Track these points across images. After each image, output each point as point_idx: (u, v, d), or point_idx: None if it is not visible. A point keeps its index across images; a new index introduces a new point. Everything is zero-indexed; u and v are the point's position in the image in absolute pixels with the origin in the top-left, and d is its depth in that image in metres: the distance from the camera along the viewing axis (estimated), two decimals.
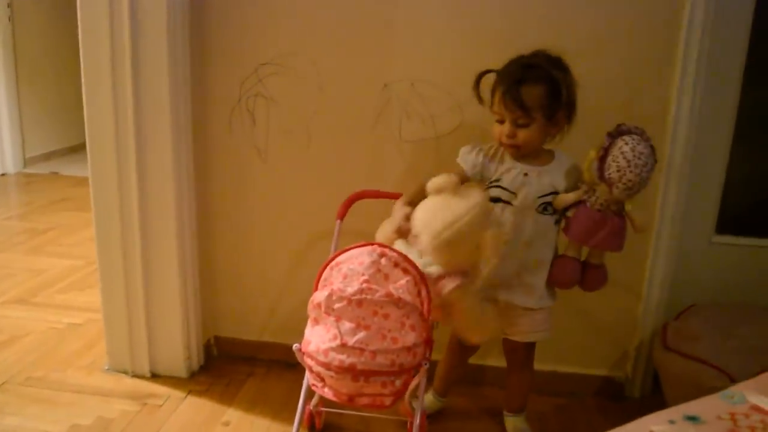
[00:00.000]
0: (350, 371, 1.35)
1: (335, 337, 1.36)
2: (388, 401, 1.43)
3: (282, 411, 2.00)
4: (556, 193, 1.66)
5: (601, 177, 1.56)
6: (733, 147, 2.08)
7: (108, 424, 1.90)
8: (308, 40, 2.01)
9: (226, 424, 1.93)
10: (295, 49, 2.01)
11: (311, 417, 1.88)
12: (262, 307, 2.29)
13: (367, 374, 1.36)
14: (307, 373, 1.50)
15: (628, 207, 1.60)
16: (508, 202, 1.65)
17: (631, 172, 1.51)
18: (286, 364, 2.27)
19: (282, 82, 2.04)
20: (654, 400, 2.08)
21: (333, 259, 1.51)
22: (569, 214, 1.68)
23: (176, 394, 2.08)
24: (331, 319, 1.39)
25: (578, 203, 1.64)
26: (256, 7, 2.01)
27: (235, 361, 2.30)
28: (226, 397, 2.07)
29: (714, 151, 2.07)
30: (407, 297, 1.41)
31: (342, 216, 1.76)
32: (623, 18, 1.89)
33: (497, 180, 1.67)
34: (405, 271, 1.46)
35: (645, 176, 1.53)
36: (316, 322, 1.44)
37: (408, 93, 1.99)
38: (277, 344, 2.29)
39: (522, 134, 1.61)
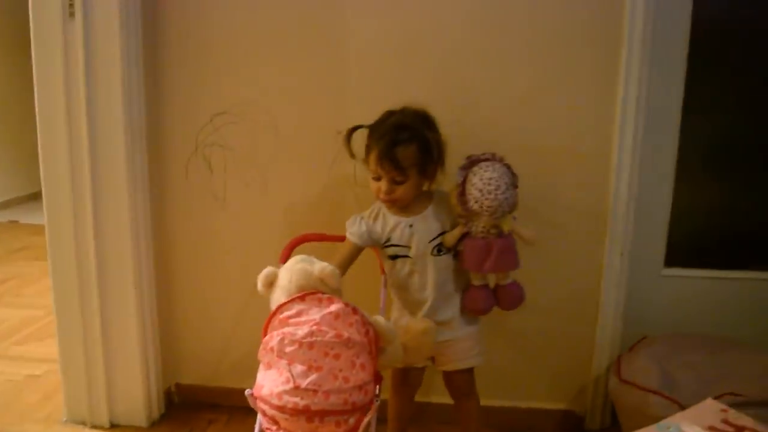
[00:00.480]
0: (304, 413, 1.36)
1: (288, 380, 1.37)
2: None
3: None
4: (444, 232, 1.77)
5: (467, 210, 1.68)
6: (676, 181, 2.15)
7: None
8: (263, 89, 2.06)
9: None
10: (250, 98, 2.05)
11: None
12: (223, 352, 2.28)
13: (321, 414, 1.37)
14: (260, 417, 1.50)
15: (506, 226, 1.69)
16: (406, 256, 1.76)
17: (486, 199, 1.63)
18: (247, 410, 2.24)
19: (238, 131, 2.08)
20: (615, 431, 2.12)
21: (279, 309, 1.52)
22: (460, 248, 1.77)
23: None
24: (284, 362, 1.40)
25: (463, 236, 1.73)
26: (211, 57, 2.06)
27: (196, 407, 2.28)
28: None
29: (658, 186, 2.14)
30: (356, 337, 1.44)
31: (284, 261, 1.73)
32: (562, 63, 1.97)
33: (388, 239, 1.78)
34: (354, 311, 1.50)
35: (503, 198, 1.64)
36: (269, 366, 1.45)
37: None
38: (238, 390, 2.23)
39: (399, 190, 1.70)
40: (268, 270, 1.61)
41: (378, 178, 1.71)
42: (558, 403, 2.21)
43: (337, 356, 1.41)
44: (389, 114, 1.73)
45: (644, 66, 1.94)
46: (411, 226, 1.75)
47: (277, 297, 1.57)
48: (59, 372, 2.20)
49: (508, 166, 1.70)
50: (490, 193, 1.63)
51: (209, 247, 2.19)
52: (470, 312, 1.81)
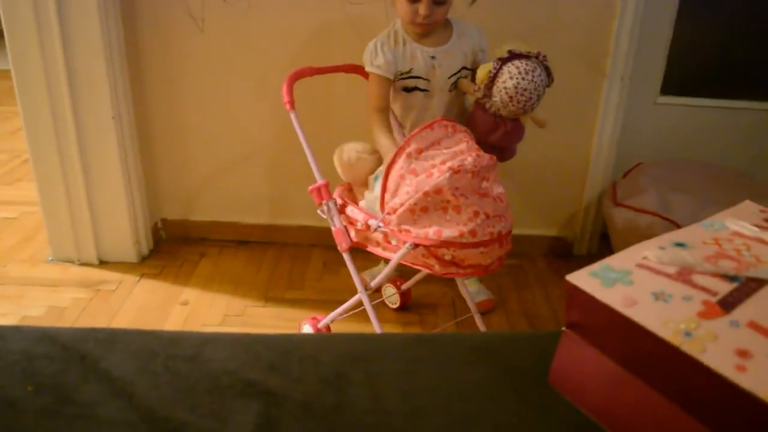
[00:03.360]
0: (498, 239, 1.32)
1: (476, 214, 1.30)
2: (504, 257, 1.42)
3: (239, 287, 1.99)
4: (464, 68, 1.65)
5: (489, 97, 1.54)
6: (679, 11, 2.08)
7: (61, 313, 1.85)
8: None
9: (185, 303, 1.91)
10: None
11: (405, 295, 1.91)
12: (208, 187, 2.22)
13: (508, 236, 1.36)
14: (428, 263, 1.39)
15: (523, 118, 1.60)
16: (424, 89, 1.64)
17: (514, 105, 1.51)
18: (238, 242, 2.24)
19: None
20: (601, 257, 2.16)
21: (403, 148, 1.38)
22: (470, 109, 1.67)
23: (129, 278, 2.03)
24: (462, 199, 1.31)
25: (478, 102, 1.61)
26: None
27: (185, 243, 2.25)
28: (181, 278, 2.04)
29: (661, 17, 2.06)
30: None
31: (292, 103, 1.60)
32: None
33: (409, 70, 1.63)
34: (465, 132, 1.44)
35: (530, 106, 1.52)
36: (425, 210, 1.33)
37: None
38: (227, 223, 2.24)
39: (438, 12, 1.55)
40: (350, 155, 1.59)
41: (416, 0, 1.53)
42: (548, 231, 2.24)
43: (487, 178, 1.35)
44: None
45: None
46: (433, 57, 1.62)
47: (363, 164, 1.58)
48: (39, 213, 2.12)
49: (548, 69, 1.53)
50: (519, 102, 1.50)
51: (188, 73, 2.05)
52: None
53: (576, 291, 0.75)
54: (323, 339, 0.93)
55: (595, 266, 0.78)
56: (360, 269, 2.02)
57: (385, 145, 1.56)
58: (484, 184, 1.33)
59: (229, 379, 0.81)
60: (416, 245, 1.33)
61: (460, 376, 0.84)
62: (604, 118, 2.06)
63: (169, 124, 2.13)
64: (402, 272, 1.87)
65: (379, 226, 1.40)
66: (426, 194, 1.30)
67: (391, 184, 1.37)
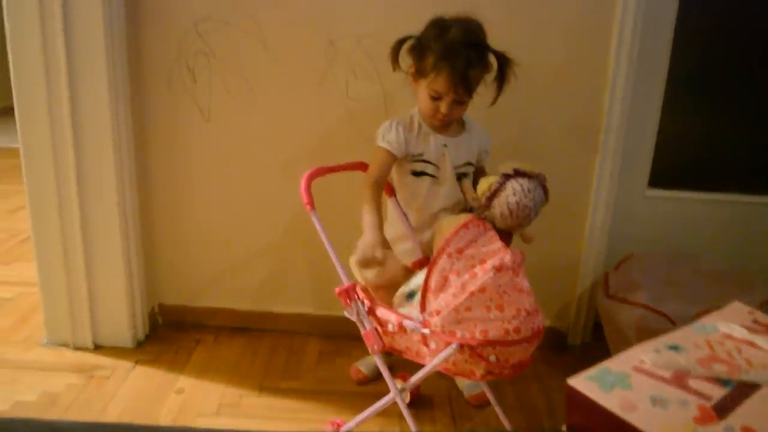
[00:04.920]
0: (537, 336, 1.33)
1: (519, 311, 1.31)
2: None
3: (234, 376, 1.99)
4: (469, 164, 1.73)
5: (487, 208, 1.59)
6: (664, 108, 2.19)
7: (54, 399, 1.83)
8: None
9: (180, 391, 1.90)
10: (234, 2, 1.94)
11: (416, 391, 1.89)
12: (207, 273, 2.24)
13: (543, 330, 1.36)
14: (469, 369, 1.36)
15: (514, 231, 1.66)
16: (432, 175, 1.69)
17: (512, 220, 1.57)
18: (232, 329, 2.25)
19: (223, 38, 1.98)
20: (595, 346, 2.19)
21: (444, 248, 1.39)
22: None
23: (123, 364, 2.02)
24: (502, 297, 1.32)
25: (471, 210, 1.68)
26: None
27: (181, 328, 2.25)
28: (177, 365, 2.03)
29: (647, 112, 2.17)
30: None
31: (312, 203, 1.59)
32: None
33: (420, 154, 1.68)
34: (492, 230, 1.47)
35: (526, 221, 1.58)
36: (469, 310, 1.32)
37: (354, 49, 1.97)
38: (223, 309, 2.26)
39: (458, 111, 1.63)
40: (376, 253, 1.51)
41: (438, 98, 1.59)
42: None
43: (518, 274, 1.37)
44: (445, 24, 1.57)
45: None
46: (445, 146, 1.68)
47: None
48: (36, 294, 2.13)
49: (546, 189, 1.61)
50: (518, 218, 1.55)
51: (193, 161, 2.11)
52: None
53: (576, 394, 0.78)
54: None
55: (594, 370, 0.81)
56: (355, 358, 2.05)
57: (371, 222, 1.55)
58: (518, 279, 1.35)
59: None
60: (462, 346, 1.31)
61: None
62: (595, 211, 2.13)
63: (171, 210, 2.17)
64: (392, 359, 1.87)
65: (417, 328, 1.38)
66: (472, 294, 1.30)
67: (433, 284, 1.36)
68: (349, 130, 2.03)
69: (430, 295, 1.36)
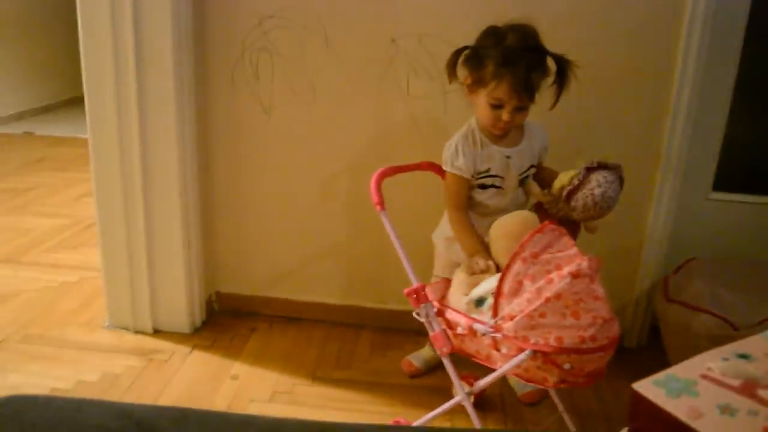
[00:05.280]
0: (614, 342, 1.31)
1: (595, 318, 1.29)
2: None
3: (288, 363, 2.02)
4: (532, 167, 1.72)
5: (567, 201, 1.59)
6: (732, 107, 2.12)
7: (115, 380, 1.90)
8: None
9: (235, 377, 1.94)
10: (298, 2, 1.97)
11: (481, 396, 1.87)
12: (264, 262, 2.28)
13: (619, 338, 1.33)
14: (542, 375, 1.35)
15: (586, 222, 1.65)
16: (498, 187, 1.69)
17: (595, 212, 1.56)
18: (287, 318, 2.28)
19: (287, 36, 2.01)
20: (651, 350, 2.15)
21: (518, 253, 1.37)
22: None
23: (181, 349, 2.08)
24: (578, 304, 1.29)
25: (539, 207, 1.69)
26: None
27: (237, 316, 2.30)
28: (232, 352, 2.08)
29: (714, 112, 2.10)
30: None
31: (382, 203, 1.59)
32: None
33: (487, 170, 1.68)
34: (568, 236, 1.43)
35: (607, 212, 1.58)
36: (543, 316, 1.31)
37: (415, 48, 1.97)
38: (278, 299, 2.30)
39: (519, 118, 1.61)
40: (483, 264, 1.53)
41: (500, 106, 1.57)
42: None
43: (594, 281, 1.33)
44: (501, 31, 1.57)
45: None
46: (508, 157, 1.67)
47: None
48: (98, 279, 2.21)
49: (622, 180, 1.61)
50: (602, 209, 1.56)
51: (253, 155, 2.15)
52: None
53: (641, 399, 0.77)
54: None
55: (660, 375, 0.80)
56: (407, 351, 2.06)
57: (470, 244, 1.59)
58: (594, 286, 1.31)
59: None
60: (535, 352, 1.29)
61: None
62: (657, 212, 2.08)
63: (231, 202, 2.22)
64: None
65: (488, 332, 1.37)
66: (547, 300, 1.28)
67: (506, 289, 1.34)
68: (408, 127, 2.04)
69: (503, 300, 1.35)
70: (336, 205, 2.18)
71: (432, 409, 1.59)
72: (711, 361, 0.81)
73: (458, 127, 1.87)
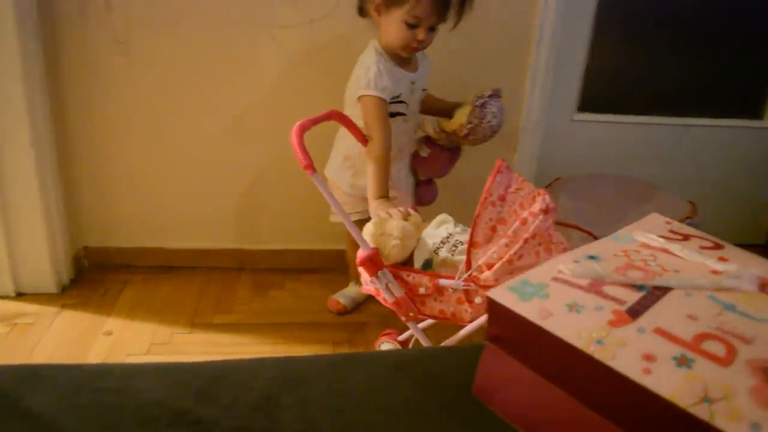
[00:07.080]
0: None
1: (564, 249, 1.21)
2: None
3: (165, 314, 1.95)
4: (424, 91, 1.76)
5: (467, 138, 1.70)
6: (593, 34, 2.19)
7: None
8: None
9: (109, 333, 1.85)
10: None
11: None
12: (133, 212, 2.16)
13: None
14: None
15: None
16: (403, 114, 1.67)
17: (490, 137, 1.72)
18: (163, 268, 2.20)
19: None
20: None
21: (486, 198, 1.28)
22: (423, 153, 1.79)
23: (48, 310, 1.95)
24: (551, 238, 1.23)
25: (428, 141, 1.77)
26: None
27: (108, 270, 2.18)
28: (105, 308, 1.97)
29: (577, 38, 2.17)
30: None
31: (312, 165, 1.32)
32: None
33: (398, 95, 1.64)
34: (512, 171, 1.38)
35: (496, 134, 1.73)
36: (521, 257, 1.22)
37: None
38: (151, 249, 2.20)
39: (431, 38, 1.60)
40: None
41: (416, 25, 1.53)
42: None
43: None
44: None
45: None
46: (413, 83, 1.65)
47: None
48: None
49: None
50: (494, 132, 1.70)
51: (111, 98, 2.00)
52: (431, 174, 1.86)
53: (496, 306, 0.78)
54: (252, 364, 0.93)
55: (514, 281, 0.81)
56: (290, 291, 2.05)
57: (383, 189, 1.55)
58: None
59: (157, 410, 0.80)
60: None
61: (386, 394, 0.86)
62: (525, 135, 2.14)
63: (92, 150, 2.07)
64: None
65: (459, 286, 1.29)
66: (525, 241, 1.19)
67: (480, 237, 1.26)
68: (276, 58, 1.96)
69: (477, 250, 1.26)
70: (203, 146, 2.08)
71: (315, 344, 1.58)
72: (562, 264, 0.83)
73: (324, 54, 1.82)
